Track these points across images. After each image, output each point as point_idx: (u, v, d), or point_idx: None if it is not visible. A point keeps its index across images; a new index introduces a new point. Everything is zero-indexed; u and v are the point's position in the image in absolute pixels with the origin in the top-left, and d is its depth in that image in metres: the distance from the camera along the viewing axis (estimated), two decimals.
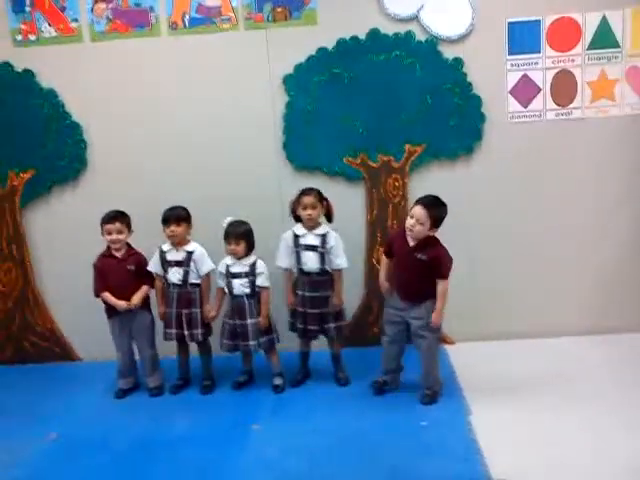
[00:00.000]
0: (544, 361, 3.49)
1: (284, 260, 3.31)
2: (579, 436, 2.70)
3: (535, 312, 3.82)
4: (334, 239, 3.25)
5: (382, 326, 3.21)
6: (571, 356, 3.54)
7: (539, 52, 3.58)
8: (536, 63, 3.59)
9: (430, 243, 2.99)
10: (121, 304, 3.27)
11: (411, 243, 3.01)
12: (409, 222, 2.97)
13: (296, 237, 3.28)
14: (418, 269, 2.98)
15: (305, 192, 3.25)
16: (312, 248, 3.25)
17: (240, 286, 3.24)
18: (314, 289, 3.26)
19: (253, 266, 3.24)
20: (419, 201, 3.01)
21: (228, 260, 3.28)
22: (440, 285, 2.99)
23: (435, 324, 3.02)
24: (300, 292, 3.29)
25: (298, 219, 3.31)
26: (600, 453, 2.57)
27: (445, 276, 2.99)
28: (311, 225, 3.26)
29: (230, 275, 3.26)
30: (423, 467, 2.56)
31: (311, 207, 3.21)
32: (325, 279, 3.27)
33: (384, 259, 3.20)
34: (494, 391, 3.16)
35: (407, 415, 2.98)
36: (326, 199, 3.29)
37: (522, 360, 3.52)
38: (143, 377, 3.46)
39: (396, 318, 3.10)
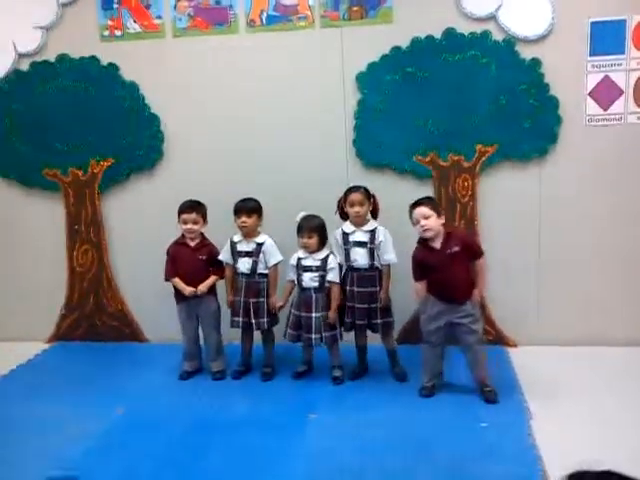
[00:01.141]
0: (607, 369, 3.38)
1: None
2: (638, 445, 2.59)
3: (601, 319, 3.69)
4: (383, 234, 3.26)
5: (423, 333, 3.16)
6: (635, 366, 3.42)
7: (623, 53, 3.46)
8: (619, 64, 3.47)
9: (453, 234, 3.06)
10: (188, 290, 3.38)
11: (437, 245, 3.02)
12: (419, 226, 3.01)
13: (345, 235, 3.30)
14: (456, 264, 3.00)
15: (352, 189, 3.27)
16: (361, 244, 3.26)
17: (310, 280, 3.28)
18: (363, 284, 3.27)
19: (325, 261, 3.28)
20: (412, 205, 3.07)
21: (300, 253, 3.33)
22: (479, 265, 3.06)
23: (477, 299, 3.09)
24: (349, 287, 3.30)
25: (344, 217, 3.32)
26: None
27: (481, 254, 3.07)
28: (359, 222, 3.28)
29: (301, 268, 3.30)
30: (480, 468, 2.51)
31: (359, 204, 3.23)
32: (374, 274, 3.28)
33: (418, 285, 3.13)
34: (555, 396, 3.09)
35: (466, 415, 2.94)
36: (373, 196, 3.30)
37: (585, 367, 3.42)
38: (207, 361, 3.55)
39: (438, 322, 3.07)
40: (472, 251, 3.05)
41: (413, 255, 3.12)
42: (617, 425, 2.79)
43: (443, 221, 3.05)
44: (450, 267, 2.99)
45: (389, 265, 3.28)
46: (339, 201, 3.33)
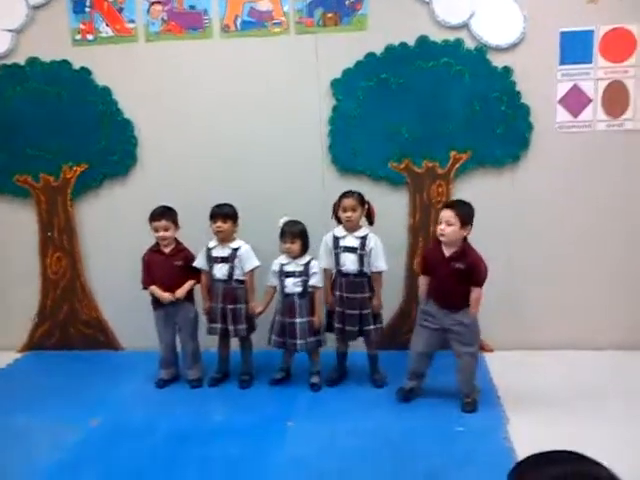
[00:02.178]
0: (583, 373, 3.45)
1: (324, 260, 3.36)
2: (615, 450, 2.64)
3: (576, 323, 3.77)
4: (374, 241, 3.28)
5: (414, 330, 3.20)
6: (611, 370, 3.50)
7: (591, 62, 3.54)
8: (587, 73, 3.55)
9: (466, 252, 3.00)
10: (166, 296, 3.36)
11: (447, 253, 3.02)
12: (439, 228, 2.99)
13: (336, 239, 3.32)
14: (456, 278, 2.99)
15: (346, 194, 3.29)
16: (351, 250, 3.28)
17: (292, 285, 3.29)
18: (352, 290, 3.29)
19: (307, 266, 3.30)
20: (444, 205, 3.08)
21: (282, 259, 3.33)
22: (475, 292, 3.01)
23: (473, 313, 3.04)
24: (338, 293, 3.32)
25: (340, 221, 3.35)
26: (638, 469, 2.52)
27: (481, 284, 3.01)
28: (351, 227, 3.30)
29: (284, 274, 3.31)
30: (458, 474, 2.56)
31: (351, 209, 3.25)
32: (363, 281, 3.30)
33: (422, 278, 3.19)
34: (532, 401, 3.14)
35: (443, 420, 2.98)
36: (368, 202, 3.32)
37: (561, 371, 3.48)
38: (184, 369, 3.54)
39: (432, 324, 3.09)
40: (473, 277, 2.99)
41: (424, 249, 3.17)
42: (594, 429, 2.83)
43: (465, 234, 3.00)
44: (449, 280, 3.00)
45: (380, 272, 3.30)
46: (334, 205, 3.35)
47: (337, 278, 3.34)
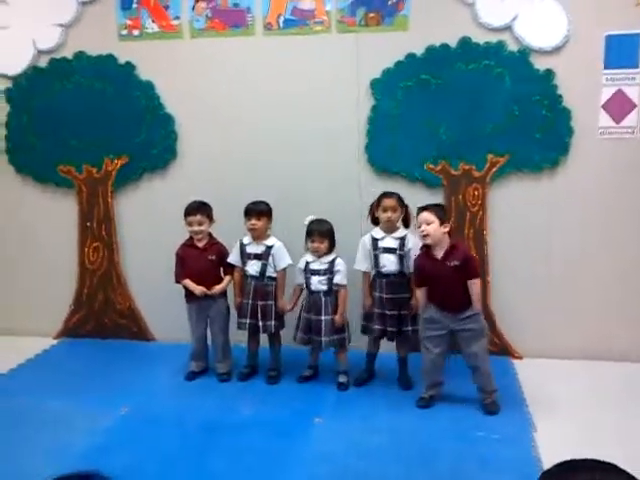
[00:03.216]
0: (612, 384, 3.39)
1: (363, 263, 3.35)
2: None
3: (607, 334, 3.68)
4: (412, 242, 3.27)
5: (422, 341, 3.15)
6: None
7: (637, 67, 3.46)
8: (633, 78, 3.48)
9: (457, 247, 3.03)
10: (199, 289, 3.40)
11: (439, 256, 3.02)
12: (420, 231, 3.02)
13: (374, 240, 3.31)
14: (454, 277, 2.99)
15: (386, 195, 3.29)
16: (391, 251, 3.28)
17: (318, 283, 3.30)
18: (392, 291, 3.28)
19: (332, 264, 3.31)
20: (417, 210, 3.09)
21: (308, 257, 3.35)
22: (474, 285, 3.02)
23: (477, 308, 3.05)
24: (378, 294, 3.31)
25: (375, 222, 3.34)
26: None
27: (476, 275, 3.03)
28: (389, 228, 3.29)
29: (309, 272, 3.32)
30: (481, 479, 2.53)
31: (391, 210, 3.24)
32: (402, 281, 3.29)
33: (418, 291, 3.16)
34: (559, 409, 3.10)
35: (469, 425, 2.95)
36: (406, 205, 3.31)
37: (590, 381, 3.42)
38: (214, 362, 3.58)
39: (438, 330, 3.07)
40: (468, 270, 3.01)
41: (414, 261, 3.16)
42: (621, 440, 2.78)
43: (446, 230, 3.02)
44: (450, 279, 3.00)
45: None
46: (371, 206, 3.35)
47: (376, 279, 3.34)
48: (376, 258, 3.31)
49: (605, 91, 3.51)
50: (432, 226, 2.99)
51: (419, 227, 3.02)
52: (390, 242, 3.29)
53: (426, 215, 3.01)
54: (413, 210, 3.31)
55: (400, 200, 3.29)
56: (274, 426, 2.97)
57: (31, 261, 4.21)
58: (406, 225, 3.34)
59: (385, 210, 3.25)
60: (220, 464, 2.66)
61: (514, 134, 3.57)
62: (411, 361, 3.42)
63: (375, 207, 3.32)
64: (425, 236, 3.00)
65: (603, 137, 3.54)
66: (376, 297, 3.32)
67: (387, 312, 3.28)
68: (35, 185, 4.12)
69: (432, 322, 3.08)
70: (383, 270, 3.29)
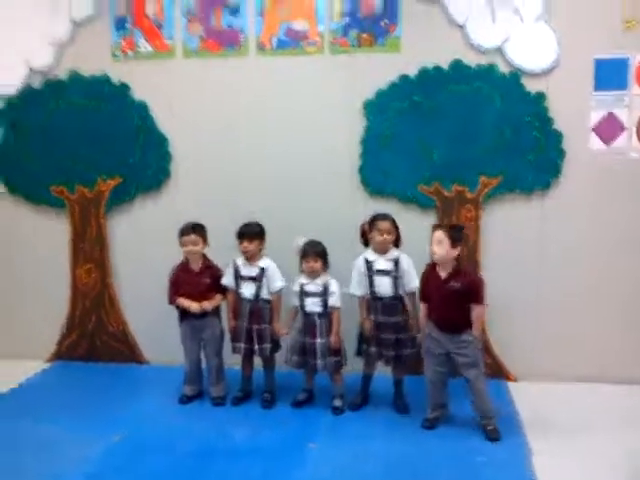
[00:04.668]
0: (608, 406, 3.39)
1: (358, 288, 3.33)
2: None
3: (602, 356, 3.69)
4: (406, 263, 3.28)
5: (424, 360, 3.17)
6: (636, 404, 3.44)
7: (625, 90, 3.51)
8: (622, 101, 3.52)
9: (461, 272, 3.03)
10: (194, 306, 3.38)
11: (443, 275, 3.03)
12: (431, 249, 3.02)
13: (368, 262, 3.31)
14: (454, 299, 2.99)
15: (381, 217, 3.29)
16: (385, 273, 3.28)
17: (312, 304, 3.30)
18: (387, 313, 3.28)
19: (326, 285, 3.30)
20: (433, 227, 3.11)
21: (303, 279, 3.35)
22: (475, 310, 3.00)
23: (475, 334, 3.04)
24: (373, 317, 3.31)
25: (367, 244, 3.35)
26: None
27: (480, 301, 3.02)
28: (383, 250, 3.30)
29: (304, 293, 3.32)
30: None
31: (387, 232, 3.25)
32: (397, 304, 3.29)
33: (423, 306, 3.18)
34: (556, 432, 3.10)
35: (465, 450, 2.94)
36: (397, 226, 3.33)
37: (585, 404, 3.43)
38: (207, 385, 3.55)
39: (437, 350, 3.08)
40: (471, 295, 3.00)
41: (422, 274, 3.18)
42: (617, 463, 2.79)
43: (457, 252, 3.01)
44: (448, 301, 3.01)
45: (414, 293, 3.29)
46: (362, 227, 3.35)
47: (371, 302, 3.32)
48: (370, 280, 3.31)
49: (595, 114, 3.55)
50: (442, 246, 2.99)
51: (431, 244, 3.02)
52: (384, 264, 3.29)
53: (439, 234, 3.01)
54: (404, 230, 3.33)
55: (394, 222, 3.30)
56: (268, 451, 2.94)
57: (22, 282, 4.18)
58: (396, 245, 3.35)
59: (381, 233, 3.26)
60: None
61: (506, 156, 3.60)
62: (408, 385, 3.42)
63: (368, 229, 3.33)
64: (433, 254, 3.02)
65: (594, 159, 3.57)
66: (371, 320, 3.31)
67: (382, 336, 3.27)
68: (27, 205, 4.09)
69: (431, 339, 3.10)
70: (378, 293, 3.29)
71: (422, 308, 3.19)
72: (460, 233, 3.09)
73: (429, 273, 3.12)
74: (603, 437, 3.05)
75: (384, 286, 3.28)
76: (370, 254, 3.33)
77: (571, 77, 3.52)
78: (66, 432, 3.16)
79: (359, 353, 3.38)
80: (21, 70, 3.95)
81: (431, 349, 3.11)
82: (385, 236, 3.25)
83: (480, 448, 2.95)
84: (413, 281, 3.28)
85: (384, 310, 3.28)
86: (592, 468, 2.75)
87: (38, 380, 3.90)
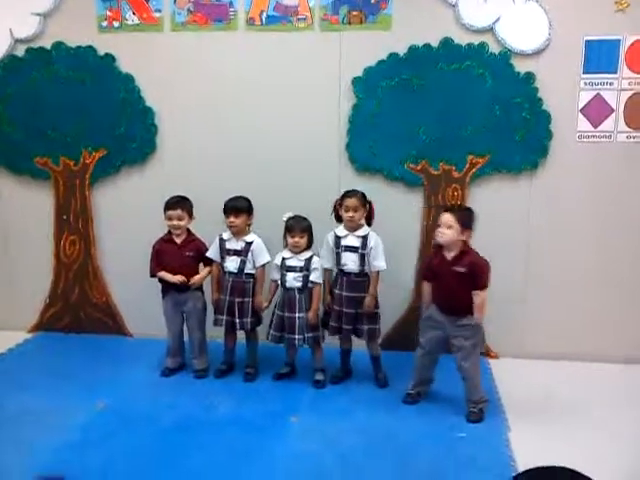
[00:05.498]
0: (587, 385, 3.44)
1: (325, 260, 3.36)
2: (614, 462, 2.65)
3: (584, 335, 3.74)
4: (374, 241, 3.27)
5: (418, 336, 3.19)
6: (616, 383, 3.48)
7: (615, 72, 3.51)
8: (611, 83, 3.52)
9: (466, 254, 2.99)
10: (178, 277, 3.36)
11: (448, 257, 3.01)
12: (438, 231, 2.99)
13: (337, 238, 3.31)
14: (457, 282, 2.98)
15: (348, 194, 3.28)
16: (352, 249, 3.28)
17: (293, 280, 3.30)
18: (352, 289, 3.29)
19: (308, 261, 3.30)
20: (443, 209, 3.08)
21: (285, 253, 3.34)
22: (478, 296, 2.97)
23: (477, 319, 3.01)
24: (338, 291, 3.32)
25: (340, 220, 3.34)
26: None
27: (483, 286, 2.97)
28: (352, 227, 3.29)
29: (285, 268, 3.32)
30: (457, 477, 2.55)
31: (353, 209, 3.24)
32: (363, 280, 3.30)
33: (425, 284, 3.18)
34: (535, 410, 3.14)
35: (444, 424, 2.97)
36: (369, 202, 3.31)
37: (565, 382, 3.47)
38: (190, 358, 3.56)
39: (435, 330, 3.09)
40: (475, 280, 2.97)
41: (427, 254, 3.16)
42: (594, 439, 2.84)
43: (465, 238, 2.98)
44: (451, 283, 2.99)
45: (378, 271, 3.30)
46: (334, 203, 3.35)
47: (338, 277, 3.34)
48: (338, 256, 3.31)
49: (583, 95, 3.55)
50: (450, 231, 2.95)
51: (439, 226, 2.99)
52: (352, 240, 3.29)
53: (448, 218, 2.97)
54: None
55: (363, 198, 3.28)
56: (250, 424, 2.96)
57: (5, 254, 4.14)
58: (369, 223, 3.34)
59: (347, 210, 3.25)
60: (196, 462, 2.64)
61: (494, 136, 3.60)
62: (387, 359, 3.44)
63: (338, 206, 3.32)
64: (440, 237, 2.98)
65: (581, 141, 3.58)
66: (336, 295, 3.32)
67: (345, 310, 3.29)
68: (10, 176, 4.05)
69: (430, 320, 3.10)
70: (344, 268, 3.29)
71: (425, 286, 3.17)
72: (470, 218, 3.03)
73: (435, 254, 3.09)
74: (581, 413, 3.09)
75: (351, 262, 3.28)
76: (340, 230, 3.33)
77: (561, 58, 3.51)
78: (47, 402, 3.15)
79: (324, 326, 3.40)
80: (4, 40, 3.88)
81: (428, 329, 3.11)
82: (350, 213, 3.24)
83: (458, 423, 2.98)
84: (378, 260, 3.27)
85: (348, 286, 3.28)
86: (568, 443, 2.79)
87: (20, 350, 3.89)
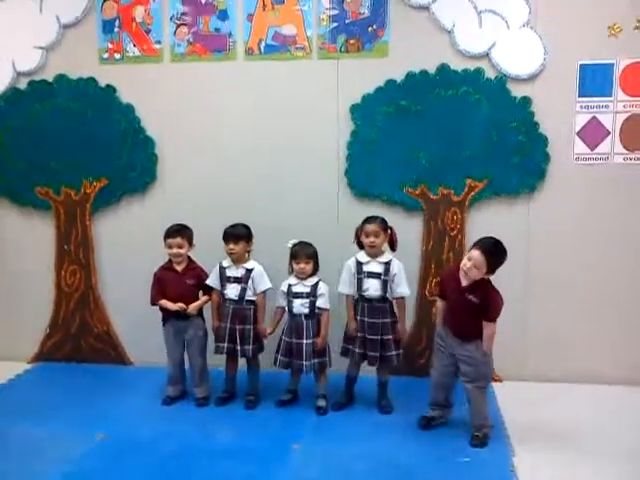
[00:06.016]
0: (590, 408, 3.40)
1: (346, 286, 3.34)
2: None
3: (584, 357, 3.71)
4: (397, 267, 3.27)
5: (432, 357, 3.18)
6: (617, 405, 3.45)
7: (610, 95, 3.55)
8: (606, 106, 3.56)
9: (482, 285, 2.95)
10: (177, 305, 3.36)
11: (463, 283, 2.97)
12: (465, 264, 2.91)
13: (359, 264, 3.31)
14: (468, 309, 2.95)
15: (369, 220, 3.29)
16: (375, 275, 3.27)
17: (300, 306, 3.30)
18: (374, 315, 3.27)
19: (315, 287, 3.31)
20: (480, 244, 2.93)
21: (291, 280, 3.35)
22: (488, 328, 2.94)
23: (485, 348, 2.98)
24: (360, 318, 3.30)
25: (361, 246, 3.34)
26: None
27: (493, 319, 2.94)
28: (374, 253, 3.29)
29: (292, 294, 3.32)
30: None
31: (374, 235, 3.25)
32: (385, 306, 3.29)
33: (439, 303, 3.17)
34: (539, 434, 3.10)
35: (448, 450, 2.93)
36: (390, 228, 3.32)
37: (569, 405, 3.43)
38: (191, 386, 3.53)
39: (445, 351, 3.07)
40: (486, 311, 2.93)
41: (443, 272, 3.24)
42: (600, 463, 2.80)
43: (487, 277, 2.93)
44: (462, 310, 2.97)
45: (403, 298, 3.30)
46: (356, 230, 3.35)
47: (359, 303, 3.32)
48: (359, 282, 3.30)
49: (580, 118, 3.59)
50: (476, 272, 2.88)
51: (468, 260, 2.89)
52: (375, 267, 3.29)
53: (480, 260, 2.85)
54: (398, 233, 3.33)
55: (384, 224, 3.29)
56: (252, 452, 2.92)
57: (6, 283, 4.14)
58: (392, 249, 3.34)
59: (368, 235, 3.26)
60: None
61: (492, 159, 3.63)
62: (392, 385, 3.41)
63: (359, 231, 3.33)
64: (463, 271, 2.92)
65: (578, 163, 3.61)
66: (358, 321, 3.31)
67: (368, 336, 3.27)
68: (12, 207, 4.07)
69: (441, 339, 3.09)
70: (366, 294, 3.28)
71: (439, 304, 3.17)
72: (502, 261, 2.93)
73: (451, 274, 3.06)
74: (585, 437, 3.06)
75: (373, 288, 3.27)
76: (362, 256, 3.33)
77: (557, 82, 3.56)
78: (48, 432, 3.12)
79: (344, 353, 3.37)
80: (7, 73, 3.94)
81: (440, 348, 3.09)
82: (372, 238, 3.25)
83: (463, 449, 2.94)
84: (401, 286, 3.28)
85: (370, 312, 3.28)
86: (573, 467, 2.76)
87: (21, 381, 3.87)
